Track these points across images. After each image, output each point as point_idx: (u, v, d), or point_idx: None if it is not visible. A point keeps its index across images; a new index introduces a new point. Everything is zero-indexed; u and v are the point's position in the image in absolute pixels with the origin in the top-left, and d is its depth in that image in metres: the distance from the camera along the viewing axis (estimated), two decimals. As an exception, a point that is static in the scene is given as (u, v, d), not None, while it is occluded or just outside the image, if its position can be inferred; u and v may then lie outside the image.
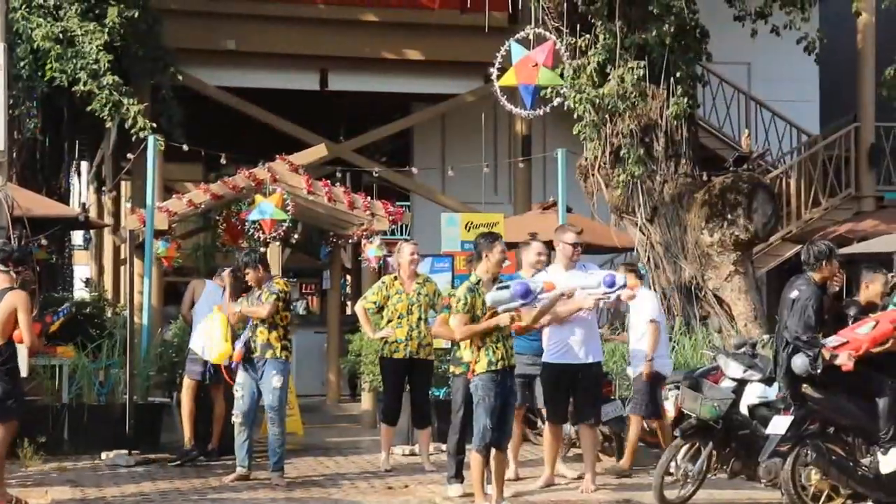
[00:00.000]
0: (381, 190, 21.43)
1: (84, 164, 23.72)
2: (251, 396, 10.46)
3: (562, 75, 14.62)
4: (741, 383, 9.91)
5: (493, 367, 9.02)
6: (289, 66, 17.83)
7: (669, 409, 11.40)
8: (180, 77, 16.47)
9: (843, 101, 20.02)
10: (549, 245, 10.81)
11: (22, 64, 15.54)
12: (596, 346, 10.20)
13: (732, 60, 18.78)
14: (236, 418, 10.52)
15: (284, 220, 13.55)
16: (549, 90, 14.53)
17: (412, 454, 11.86)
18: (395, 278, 11.23)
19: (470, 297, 9.01)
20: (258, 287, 10.50)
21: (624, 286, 9.78)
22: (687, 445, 9.58)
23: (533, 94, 14.46)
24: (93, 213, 21.57)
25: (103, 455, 11.48)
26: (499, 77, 14.62)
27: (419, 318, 11.03)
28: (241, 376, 10.55)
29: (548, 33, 14.60)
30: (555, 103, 14.52)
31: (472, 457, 9.18)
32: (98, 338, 12.48)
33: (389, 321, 11.10)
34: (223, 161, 14.53)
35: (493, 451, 9.11)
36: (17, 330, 8.99)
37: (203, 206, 13.77)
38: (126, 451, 11.46)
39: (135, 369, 11.88)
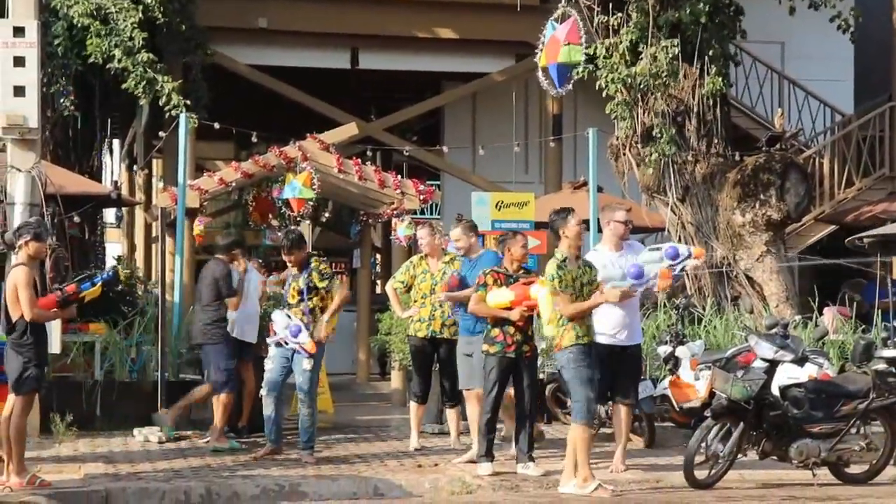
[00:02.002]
0: (412, 169, 21.42)
1: (116, 142, 23.82)
2: (278, 371, 10.44)
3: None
4: (773, 364, 9.82)
5: (581, 341, 9.14)
6: (320, 44, 17.79)
7: (701, 390, 11.36)
8: (212, 55, 16.47)
9: (877, 80, 19.79)
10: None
11: (57, 41, 15.58)
12: (638, 328, 10.21)
13: (766, 39, 18.59)
14: (262, 389, 10.52)
15: (311, 199, 13.55)
16: (580, 68, 14.47)
17: (442, 433, 11.86)
18: (423, 258, 11.22)
19: (562, 275, 9.12)
20: (300, 269, 10.48)
21: (689, 256, 9.69)
22: (718, 426, 9.53)
23: (559, 73, 14.39)
24: (125, 191, 21.72)
25: (135, 431, 11.52)
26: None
27: None
28: (273, 350, 10.54)
29: (572, 11, 14.49)
30: (579, 74, 14.43)
31: (578, 431, 9.14)
32: (130, 315, 12.50)
33: (416, 301, 11.10)
34: (254, 139, 14.54)
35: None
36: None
37: (234, 185, 13.79)
38: (158, 428, 11.51)
39: (166, 346, 11.93)
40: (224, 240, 11.73)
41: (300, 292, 10.43)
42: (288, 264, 10.67)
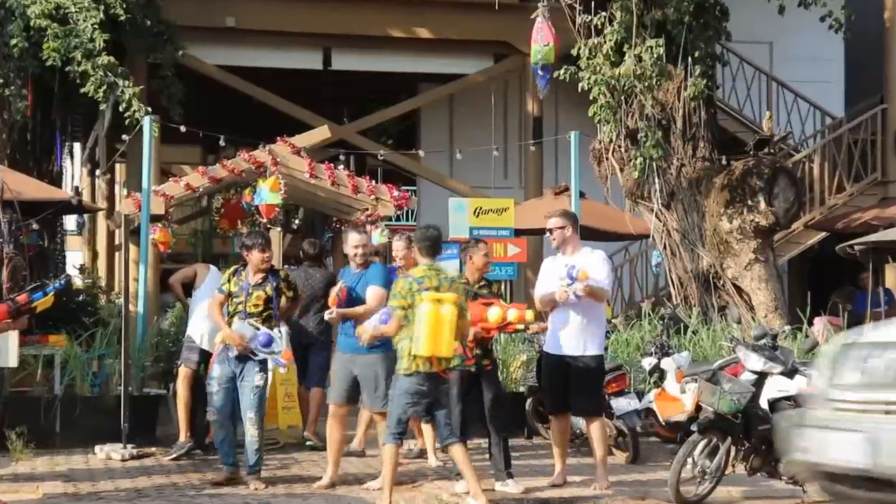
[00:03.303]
0: (387, 174, 21.33)
1: (77, 146, 23.49)
2: (226, 393, 9.85)
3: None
4: (761, 376, 9.61)
5: None
6: (291, 44, 17.59)
7: (687, 403, 11.10)
8: (181, 52, 16.16)
9: (869, 81, 19.70)
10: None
11: (13, 42, 15.23)
12: (594, 337, 9.79)
13: (753, 39, 18.65)
14: (212, 416, 9.97)
15: (278, 205, 13.30)
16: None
17: (421, 452, 11.46)
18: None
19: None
20: (265, 276, 9.89)
21: (576, 280, 9.45)
22: (704, 441, 9.29)
23: (536, 73, 14.30)
24: (86, 197, 21.38)
25: (97, 448, 11.24)
26: None
27: None
28: (216, 370, 9.92)
29: (545, 10, 14.25)
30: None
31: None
32: (91, 326, 12.26)
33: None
34: (222, 143, 14.29)
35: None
36: None
37: (201, 190, 13.59)
38: (121, 445, 11.19)
39: (130, 359, 11.60)
40: (313, 249, 11.98)
41: (268, 300, 9.87)
42: (240, 272, 10.00)
